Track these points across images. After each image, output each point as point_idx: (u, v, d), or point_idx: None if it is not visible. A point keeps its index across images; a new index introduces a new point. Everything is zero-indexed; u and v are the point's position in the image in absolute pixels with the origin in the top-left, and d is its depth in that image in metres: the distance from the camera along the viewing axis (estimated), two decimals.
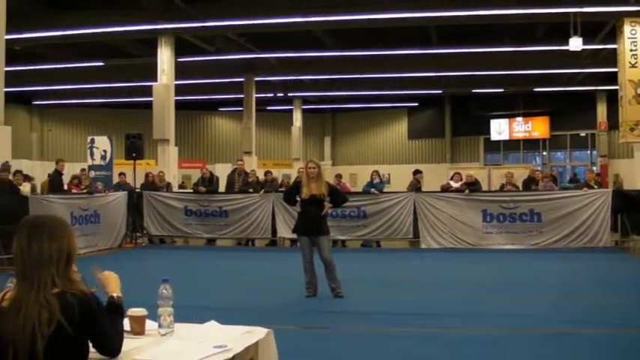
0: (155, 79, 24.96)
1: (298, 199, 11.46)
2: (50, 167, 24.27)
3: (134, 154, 21.99)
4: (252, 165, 29.15)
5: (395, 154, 45.75)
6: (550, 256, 16.92)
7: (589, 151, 42.89)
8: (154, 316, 4.18)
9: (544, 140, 43.19)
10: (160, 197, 20.98)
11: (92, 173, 23.30)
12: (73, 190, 19.44)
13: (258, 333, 4.20)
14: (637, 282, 13.58)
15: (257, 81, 33.97)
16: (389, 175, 36.83)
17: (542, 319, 9.53)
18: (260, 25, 23.23)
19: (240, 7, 22.37)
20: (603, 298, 11.41)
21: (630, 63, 21.16)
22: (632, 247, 18.33)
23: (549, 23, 23.99)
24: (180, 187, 27.92)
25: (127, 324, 3.94)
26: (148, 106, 25.62)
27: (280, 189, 20.37)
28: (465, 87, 37.80)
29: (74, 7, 23.26)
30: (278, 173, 28.19)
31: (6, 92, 18.25)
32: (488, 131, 43.40)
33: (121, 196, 20.42)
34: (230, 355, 3.69)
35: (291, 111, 42.90)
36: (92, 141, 24.89)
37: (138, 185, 22.12)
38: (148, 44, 25.95)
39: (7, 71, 18.23)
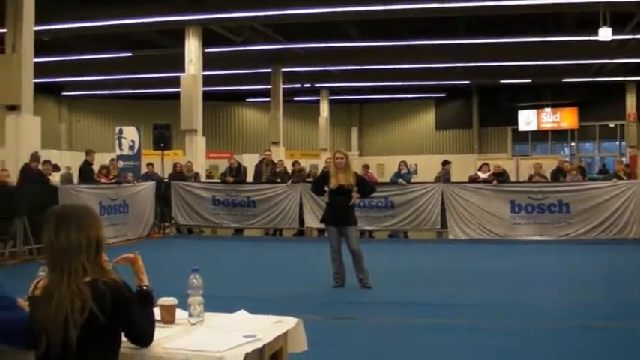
0: (182, 70, 25.00)
1: (326, 189, 11.46)
2: (79, 158, 24.42)
3: (162, 145, 22.06)
4: (280, 155, 29.13)
5: (422, 145, 45.58)
6: (579, 248, 16.84)
7: (618, 142, 42.50)
8: (183, 305, 4.21)
9: (572, 131, 42.90)
10: (187, 187, 21.04)
11: (120, 163, 23.41)
12: (102, 181, 19.53)
13: (287, 323, 4.23)
14: None
15: (284, 72, 33.95)
16: (416, 165, 36.68)
17: (569, 311, 9.51)
18: (287, 16, 23.21)
19: None
20: (631, 290, 11.34)
21: None
22: None
23: (578, 13, 23.78)
24: (208, 177, 28.00)
25: (157, 313, 3.96)
26: (176, 96, 25.67)
27: (308, 179, 20.39)
28: (492, 77, 37.53)
29: None
30: (305, 164, 28.20)
31: (35, 83, 18.41)
32: (516, 122, 43.15)
33: (150, 186, 20.53)
34: (260, 345, 3.71)
35: (318, 102, 42.83)
36: (120, 131, 25.02)
37: (166, 175, 22.21)
38: (175, 35, 25.97)
39: (36, 62, 18.39)
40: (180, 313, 4.21)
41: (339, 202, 11.20)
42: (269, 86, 34.17)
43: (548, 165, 24.31)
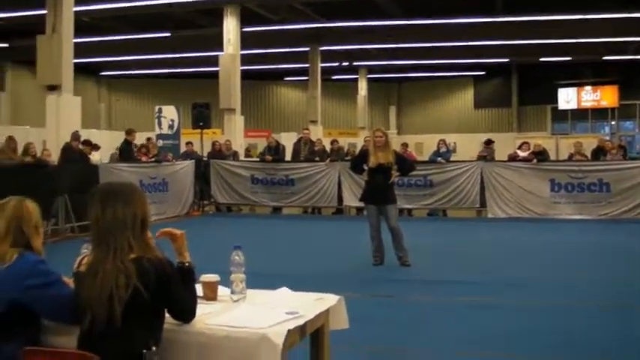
0: (221, 50, 25.06)
1: (365, 167, 11.45)
2: (118, 137, 24.60)
3: (201, 123, 22.16)
4: (318, 134, 29.14)
5: (461, 124, 45.17)
6: (619, 227, 16.70)
7: None
8: (224, 283, 4.23)
9: (613, 109, 42.36)
10: (226, 166, 21.13)
11: (160, 142, 23.52)
12: (142, 159, 19.66)
13: (329, 300, 4.23)
14: None
15: (322, 50, 33.89)
16: (455, 144, 36.48)
17: (609, 291, 9.44)
18: None
19: None
20: None
21: None
22: None
23: None
24: (247, 155, 28.08)
25: (199, 290, 3.98)
26: (215, 76, 25.74)
27: (346, 158, 20.37)
28: (532, 55, 37.16)
29: None
30: (344, 142, 28.14)
31: (75, 63, 18.54)
32: (555, 100, 42.67)
33: (189, 164, 20.63)
34: (302, 322, 3.72)
35: (356, 80, 42.70)
36: (160, 110, 25.16)
37: (205, 154, 22.30)
38: (213, 14, 26.02)
39: (75, 43, 18.51)
40: (222, 290, 4.23)
41: (378, 180, 11.17)
42: (307, 65, 34.14)
43: (589, 144, 24.05)
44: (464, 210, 19.55)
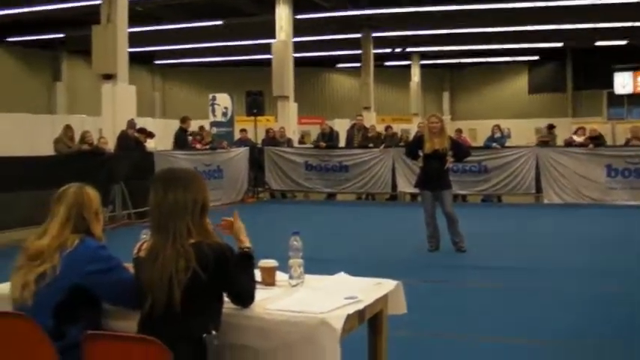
0: (273, 37, 25.11)
1: (420, 153, 11.41)
2: (172, 125, 24.79)
3: (255, 111, 22.27)
4: (371, 120, 29.10)
5: (515, 109, 44.75)
6: None
7: None
8: (281, 268, 4.24)
9: None
10: (280, 152, 21.17)
11: (214, 130, 23.64)
12: (197, 146, 19.80)
13: (387, 285, 4.21)
14: None
15: (374, 37, 33.81)
16: (509, 129, 36.22)
17: None
18: None
19: None
20: None
21: None
22: None
23: None
24: (301, 142, 28.14)
25: (257, 275, 4.00)
26: (267, 63, 25.81)
27: (400, 144, 20.31)
28: (587, 40, 36.71)
29: None
30: (397, 128, 28.06)
31: (129, 52, 18.72)
32: (611, 85, 42.13)
33: (243, 151, 20.72)
34: (361, 307, 3.72)
35: (408, 66, 42.62)
36: (213, 98, 25.23)
37: (259, 141, 22.39)
38: (265, 2, 26.07)
39: (130, 32, 18.69)
40: (280, 275, 4.24)
41: (433, 166, 11.12)
42: (359, 51, 34.08)
43: None
44: (519, 196, 19.37)
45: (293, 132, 24.64)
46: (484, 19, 30.52)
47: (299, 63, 27.13)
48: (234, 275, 3.55)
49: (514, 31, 33.84)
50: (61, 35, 33.29)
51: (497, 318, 7.42)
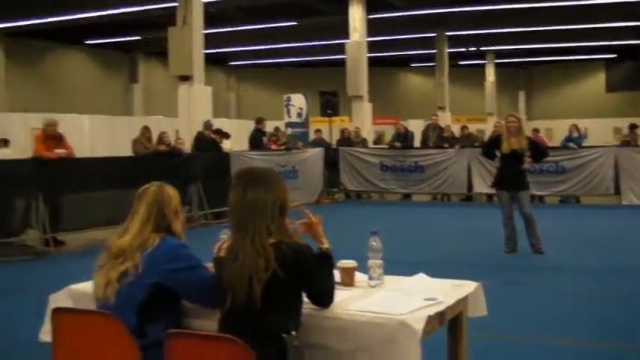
0: (346, 37, 25.14)
1: (497, 153, 11.30)
2: (246, 126, 24.95)
3: (329, 111, 22.32)
4: (446, 120, 28.92)
5: (592, 108, 44.03)
6: None
7: None
8: (360, 268, 4.22)
9: None
10: (355, 153, 21.18)
11: (289, 130, 23.74)
12: (272, 147, 19.91)
13: (467, 286, 4.18)
14: None
15: (448, 35, 33.62)
16: (586, 129, 35.71)
17: None
18: None
19: None
20: None
21: None
22: None
23: None
24: (376, 143, 28.10)
25: (336, 276, 3.99)
26: (341, 63, 25.84)
27: (475, 144, 20.15)
28: None
29: None
30: (472, 128, 27.86)
31: (205, 54, 18.90)
32: None
33: (318, 152, 20.78)
34: (442, 308, 3.69)
35: (483, 65, 42.29)
36: (288, 99, 25.33)
37: (333, 141, 22.41)
38: (338, 2, 26.11)
39: (205, 34, 18.87)
40: (358, 276, 4.23)
41: (511, 166, 11.01)
42: (433, 51, 33.92)
43: None
44: (597, 196, 19.05)
45: (368, 132, 24.62)
46: (559, 17, 30.09)
47: (372, 63, 27.10)
48: (313, 275, 3.55)
49: (590, 28, 33.27)
50: (138, 38, 33.80)
51: (579, 321, 7.31)
